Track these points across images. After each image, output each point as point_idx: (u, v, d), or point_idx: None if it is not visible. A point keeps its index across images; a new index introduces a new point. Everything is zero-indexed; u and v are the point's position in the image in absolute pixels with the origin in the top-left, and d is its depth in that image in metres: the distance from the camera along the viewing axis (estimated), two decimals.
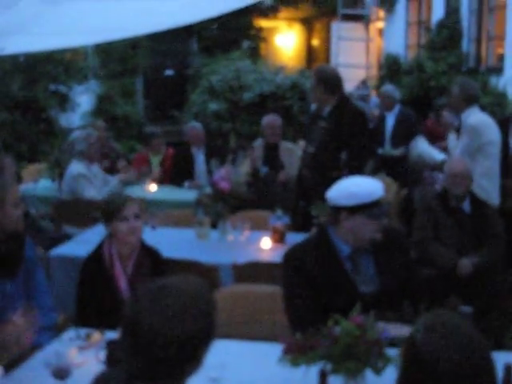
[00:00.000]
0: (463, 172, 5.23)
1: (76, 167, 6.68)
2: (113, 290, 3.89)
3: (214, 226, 5.47)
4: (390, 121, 8.27)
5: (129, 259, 3.97)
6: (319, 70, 6.17)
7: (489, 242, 5.15)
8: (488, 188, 5.83)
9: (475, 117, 5.92)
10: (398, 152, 7.96)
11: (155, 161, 8.34)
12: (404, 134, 8.05)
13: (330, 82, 5.88)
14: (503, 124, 6.54)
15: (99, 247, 4.01)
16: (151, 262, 4.05)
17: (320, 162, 5.84)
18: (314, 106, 6.28)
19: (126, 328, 1.99)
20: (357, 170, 5.42)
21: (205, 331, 2.00)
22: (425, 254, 5.18)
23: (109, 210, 3.97)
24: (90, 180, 6.69)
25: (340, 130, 5.79)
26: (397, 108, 8.36)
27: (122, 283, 3.92)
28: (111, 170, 7.71)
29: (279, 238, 5.18)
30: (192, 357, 2.00)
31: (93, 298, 3.85)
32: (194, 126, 8.36)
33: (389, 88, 8.58)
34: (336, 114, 5.85)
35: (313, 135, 6.00)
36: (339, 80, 5.95)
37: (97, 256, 3.99)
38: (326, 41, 16.65)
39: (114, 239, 3.96)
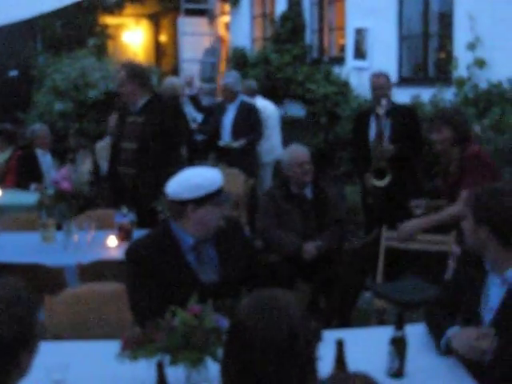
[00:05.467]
0: (308, 159, 5.35)
1: None
2: None
3: (59, 227, 5.36)
4: (231, 112, 8.22)
5: None
6: (129, 64, 6.13)
7: (331, 226, 5.32)
8: None
9: None
10: (237, 144, 7.95)
11: (1, 158, 8.10)
12: (245, 126, 8.07)
13: (143, 76, 5.91)
14: (363, 116, 6.77)
15: None
16: None
17: (147, 158, 5.84)
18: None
19: None
20: (198, 162, 5.49)
21: (21, 336, 1.96)
22: (269, 242, 5.28)
23: None
24: None
25: (160, 124, 5.82)
26: (238, 100, 8.30)
27: None
28: None
29: (125, 235, 5.14)
30: (11, 363, 1.96)
31: None
32: (38, 128, 8.14)
33: (229, 80, 8.47)
34: (152, 109, 5.88)
35: (125, 131, 5.95)
36: (149, 74, 5.98)
37: None
38: (174, 36, 16.60)
39: None
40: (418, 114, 7.06)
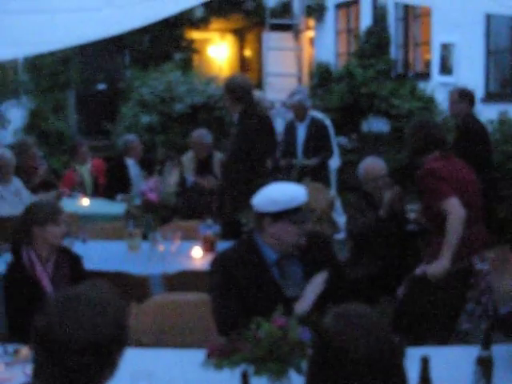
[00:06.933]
0: (382, 173, 5.33)
1: None
2: (39, 293, 3.89)
3: (145, 237, 5.46)
4: (302, 131, 8.16)
5: (48, 261, 4.03)
6: (228, 79, 6.37)
7: None
8: None
9: None
10: (312, 162, 7.94)
11: (84, 170, 8.31)
12: (316, 143, 8.03)
13: (236, 90, 6.03)
14: None
15: (16, 257, 4.01)
16: (70, 264, 4.12)
17: (232, 170, 5.93)
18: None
19: (38, 339, 2.00)
20: (282, 177, 5.55)
21: (116, 337, 2.03)
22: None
23: (45, 215, 3.99)
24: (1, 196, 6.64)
25: (247, 135, 5.93)
26: (309, 117, 8.23)
27: (46, 284, 3.96)
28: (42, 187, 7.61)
29: (210, 246, 5.20)
30: (106, 363, 2.03)
31: (22, 308, 3.84)
32: (131, 139, 8.33)
33: (300, 96, 8.31)
34: (243, 123, 6.00)
35: (228, 144, 6.19)
36: (246, 88, 6.05)
37: (16, 266, 4.01)
38: (258, 51, 16.71)
39: (37, 243, 3.98)
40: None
